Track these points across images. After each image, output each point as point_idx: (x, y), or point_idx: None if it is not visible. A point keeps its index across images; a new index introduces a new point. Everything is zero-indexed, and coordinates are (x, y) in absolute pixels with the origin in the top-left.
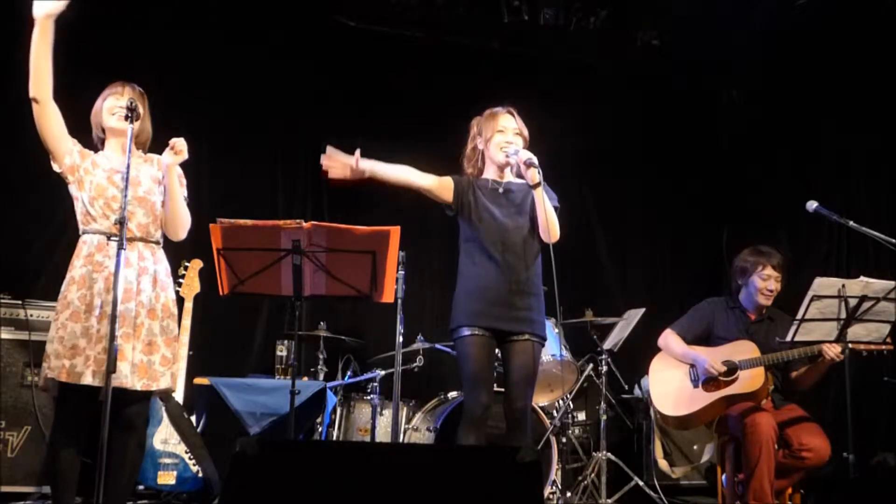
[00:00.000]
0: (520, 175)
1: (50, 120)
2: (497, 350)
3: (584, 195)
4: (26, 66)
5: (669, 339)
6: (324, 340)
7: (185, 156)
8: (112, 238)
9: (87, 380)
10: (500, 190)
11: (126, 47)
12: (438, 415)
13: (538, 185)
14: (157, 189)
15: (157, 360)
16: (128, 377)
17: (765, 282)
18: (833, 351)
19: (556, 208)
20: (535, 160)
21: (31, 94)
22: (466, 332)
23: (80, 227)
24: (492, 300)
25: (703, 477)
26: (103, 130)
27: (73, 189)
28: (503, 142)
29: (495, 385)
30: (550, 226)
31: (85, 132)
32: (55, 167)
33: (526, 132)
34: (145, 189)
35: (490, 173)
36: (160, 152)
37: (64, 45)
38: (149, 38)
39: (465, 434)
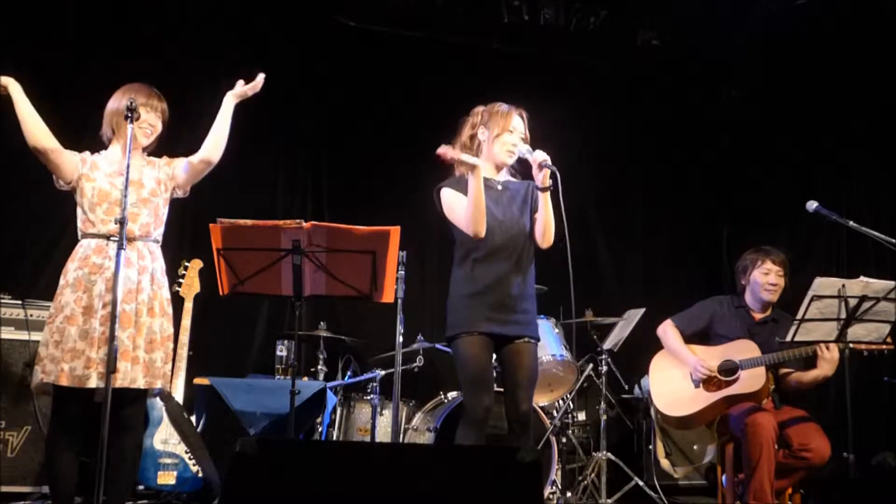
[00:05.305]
0: (516, 175)
1: (62, 167)
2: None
3: (584, 195)
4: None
5: (668, 331)
6: (324, 340)
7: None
8: (112, 238)
9: (93, 383)
10: (499, 188)
11: (126, 47)
12: (438, 415)
13: (548, 188)
14: (160, 191)
15: (157, 359)
16: (134, 377)
17: (766, 276)
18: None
19: None
20: (549, 162)
21: (34, 144)
22: (464, 334)
23: (80, 232)
24: (493, 305)
25: (704, 477)
26: (112, 131)
27: (76, 195)
28: (511, 143)
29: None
30: (549, 231)
31: (82, 132)
32: (60, 185)
33: (528, 137)
34: (149, 191)
35: (485, 170)
36: (162, 154)
37: (65, 45)
38: (149, 38)
39: (465, 435)
